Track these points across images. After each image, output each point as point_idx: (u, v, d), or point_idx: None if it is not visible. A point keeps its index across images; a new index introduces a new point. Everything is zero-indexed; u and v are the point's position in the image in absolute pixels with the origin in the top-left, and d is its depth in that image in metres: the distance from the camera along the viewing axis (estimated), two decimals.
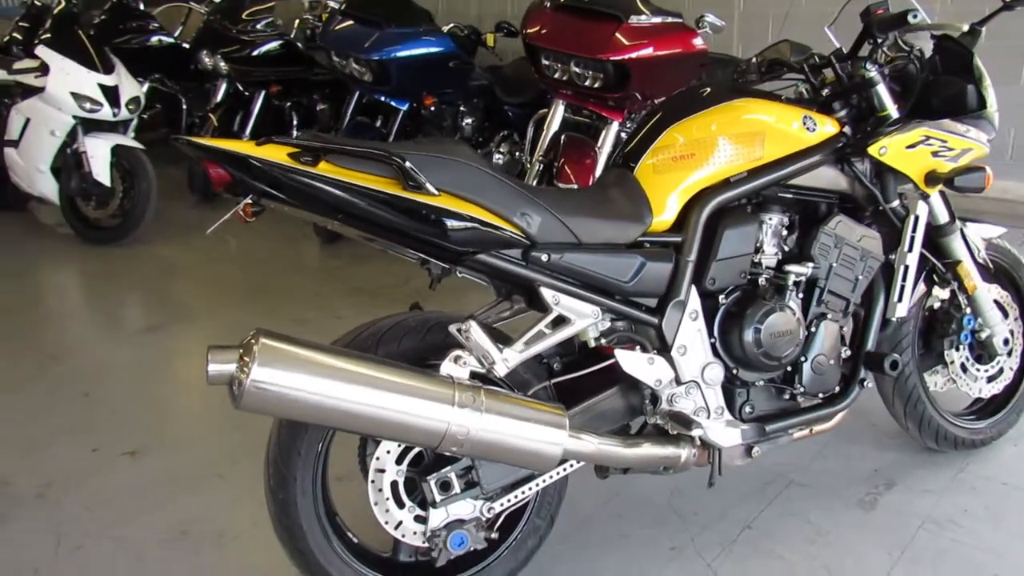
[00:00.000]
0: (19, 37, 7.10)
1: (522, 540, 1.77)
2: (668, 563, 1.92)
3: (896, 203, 1.91)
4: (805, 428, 1.96)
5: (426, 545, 1.63)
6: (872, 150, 1.82)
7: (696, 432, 1.71)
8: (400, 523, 1.62)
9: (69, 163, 4.57)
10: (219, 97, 5.53)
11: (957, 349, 2.18)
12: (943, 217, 2.05)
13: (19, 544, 2.06)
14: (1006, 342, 2.19)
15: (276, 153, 1.43)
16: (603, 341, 1.74)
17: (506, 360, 1.57)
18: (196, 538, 2.04)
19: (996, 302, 2.21)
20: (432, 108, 4.50)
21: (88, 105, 4.45)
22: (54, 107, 4.49)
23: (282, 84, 5.47)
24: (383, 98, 4.38)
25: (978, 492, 2.13)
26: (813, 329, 1.85)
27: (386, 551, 1.72)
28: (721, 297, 1.80)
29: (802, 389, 1.86)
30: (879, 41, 1.88)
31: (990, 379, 2.25)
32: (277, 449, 1.59)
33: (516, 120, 4.65)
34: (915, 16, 1.78)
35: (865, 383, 1.93)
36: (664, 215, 1.75)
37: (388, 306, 1.74)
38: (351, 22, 4.20)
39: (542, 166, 3.68)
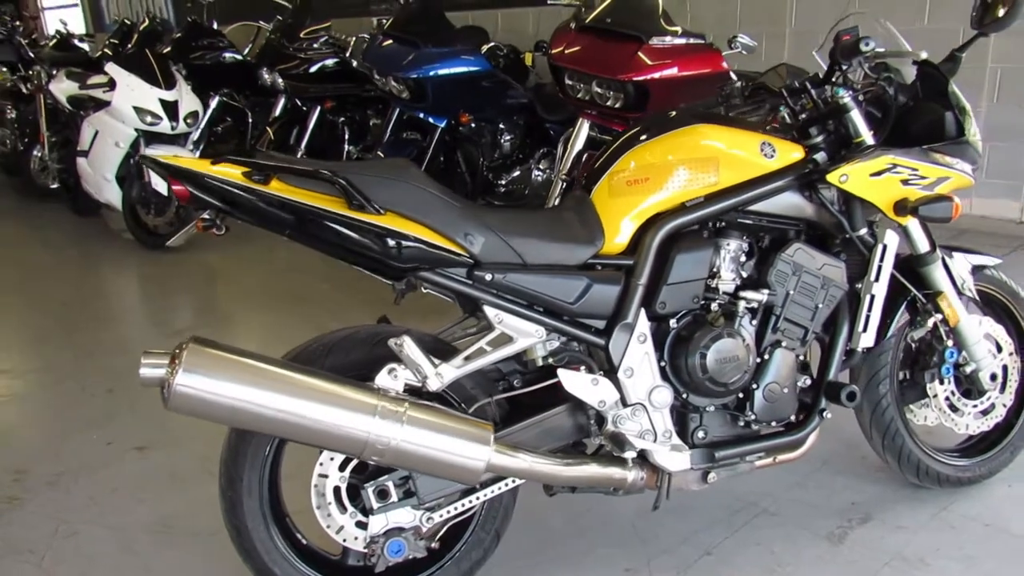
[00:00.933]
0: (109, 53, 7.62)
1: (465, 552, 1.81)
2: None
3: (864, 231, 1.88)
4: (768, 456, 1.95)
5: (365, 551, 1.70)
6: (831, 177, 1.80)
7: (629, 454, 1.72)
8: (342, 527, 1.69)
9: (131, 172, 4.88)
10: (277, 112, 5.77)
11: (941, 382, 2.11)
12: (923, 246, 2.00)
13: (21, 525, 2.24)
14: (993, 377, 2.10)
15: (231, 172, 1.53)
16: (551, 360, 1.78)
17: (440, 375, 1.63)
18: (176, 533, 2.17)
19: (989, 336, 2.13)
20: (470, 125, 4.60)
21: (149, 118, 4.74)
22: (119, 120, 4.80)
23: (336, 100, 5.68)
24: (421, 115, 4.51)
25: (956, 532, 2.05)
26: (767, 356, 1.84)
27: (336, 555, 1.80)
28: (672, 321, 1.81)
29: (753, 416, 1.84)
30: (843, 68, 1.86)
31: (983, 414, 2.17)
32: (227, 450, 1.68)
33: (557, 137, 4.70)
34: (867, 44, 1.76)
35: (825, 414, 1.90)
36: (618, 238, 1.78)
37: (402, 318, 1.82)
38: (391, 42, 4.35)
39: (565, 184, 3.72)
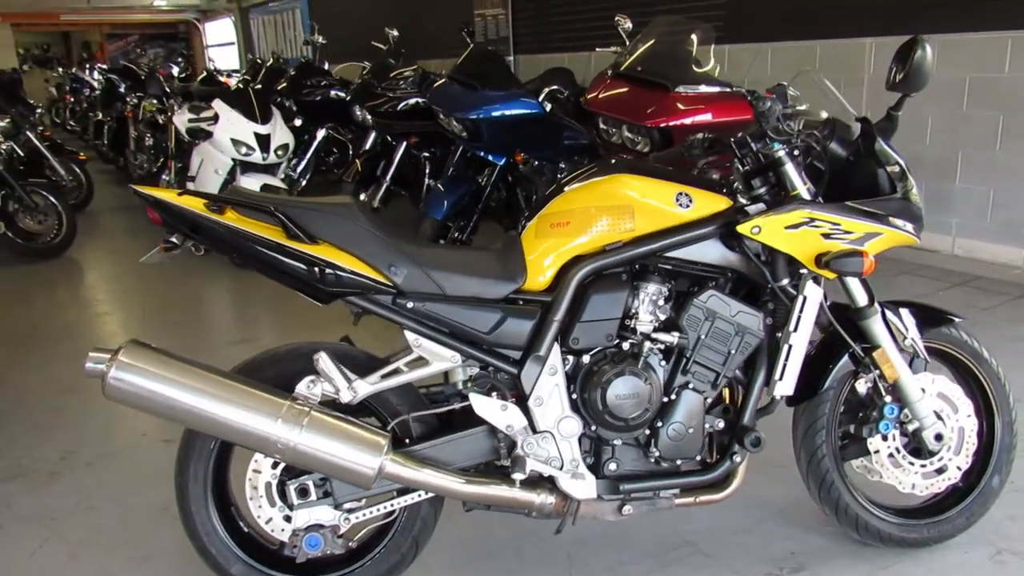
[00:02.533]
0: (240, 87, 8.40)
1: (384, 556, 1.99)
2: None
3: (786, 282, 1.92)
4: (688, 496, 2.02)
5: (288, 542, 1.91)
6: (742, 229, 1.86)
7: (518, 476, 1.84)
8: (271, 519, 1.91)
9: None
10: (367, 145, 6.22)
11: (885, 439, 2.09)
12: (861, 300, 2.02)
13: (52, 496, 2.61)
14: (939, 437, 2.06)
15: (193, 202, 1.80)
16: (470, 385, 1.94)
17: (354, 389, 1.83)
18: (171, 515, 2.44)
19: (943, 395, 2.10)
20: (530, 164, 4.81)
21: (244, 149, 5.25)
22: (219, 150, 5.34)
23: (420, 136, 6.05)
24: (481, 153, 4.77)
25: None
26: (675, 397, 1.91)
27: (274, 544, 2.01)
28: (586, 357, 1.93)
29: (658, 453, 1.92)
30: (761, 124, 1.92)
31: (937, 473, 2.12)
32: (181, 442, 1.94)
33: None
34: (760, 103, 1.83)
35: (736, 457, 1.95)
36: (540, 276, 1.92)
37: (363, 338, 2.05)
38: (454, 84, 4.64)
39: None
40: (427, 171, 6.07)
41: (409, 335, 1.87)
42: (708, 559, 2.18)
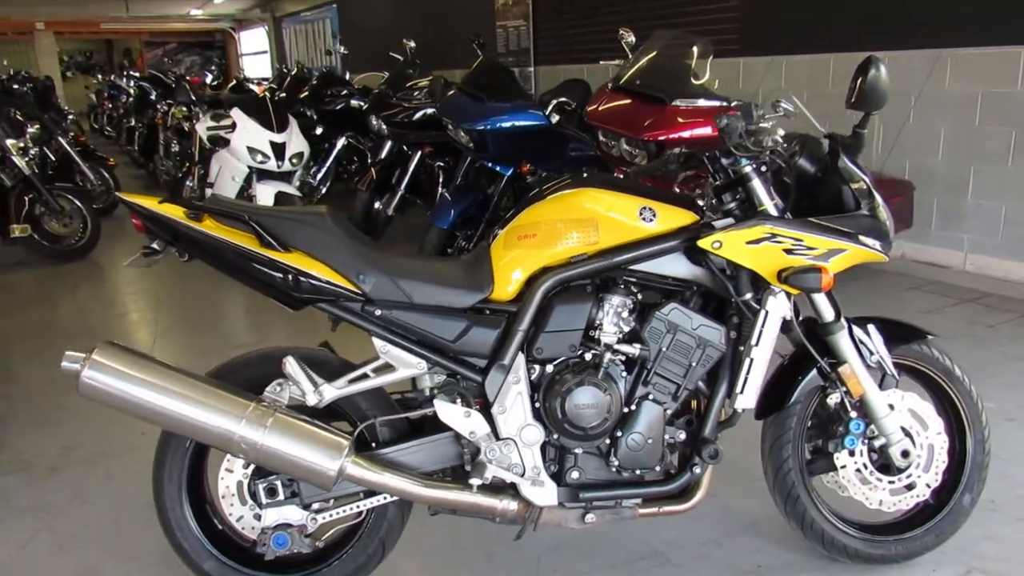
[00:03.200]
0: (268, 96, 8.54)
1: (351, 557, 2.04)
2: None
3: (749, 297, 1.94)
4: (652, 506, 2.04)
5: (257, 540, 1.97)
6: (704, 243, 1.88)
7: (475, 481, 1.88)
8: (241, 517, 1.97)
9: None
10: (383, 155, 6.31)
11: (852, 454, 2.09)
12: (827, 315, 2.03)
13: (48, 491, 2.71)
14: (906, 454, 2.06)
15: (173, 210, 1.88)
16: (436, 391, 1.98)
17: (320, 393, 1.88)
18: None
19: (912, 412, 2.10)
20: (538, 174, 4.86)
21: (259, 157, 5.37)
22: (235, 157, 5.47)
23: (434, 146, 6.13)
24: (489, 164, 4.83)
25: None
26: (635, 407, 1.94)
27: (248, 543, 2.07)
28: (550, 366, 1.96)
29: (617, 463, 1.95)
30: (724, 140, 1.95)
31: (907, 489, 2.12)
32: (159, 440, 2.02)
33: None
34: (719, 120, 1.85)
35: (695, 469, 1.97)
36: (508, 287, 1.96)
37: (343, 344, 2.11)
38: (462, 95, 4.71)
39: None
40: (441, 180, 6.16)
41: (377, 341, 1.93)
42: (675, 569, 2.19)
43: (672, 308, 1.93)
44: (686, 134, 3.45)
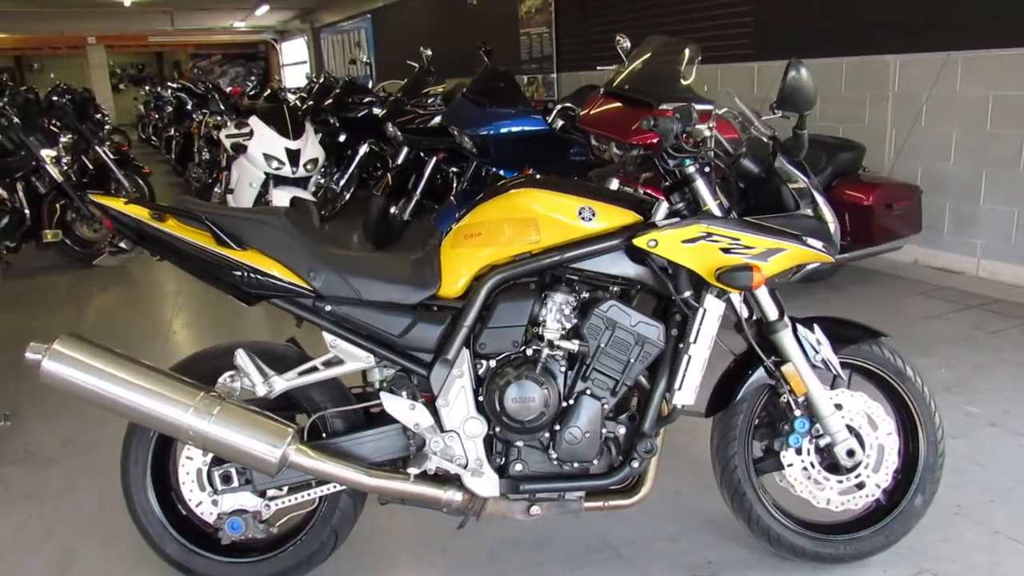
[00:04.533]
0: (299, 104, 8.79)
1: (305, 543, 2.12)
2: None
3: (688, 295, 1.98)
4: (597, 500, 2.08)
5: (215, 525, 2.06)
6: (639, 242, 1.92)
7: (412, 470, 1.95)
8: (200, 503, 2.07)
9: None
10: (399, 160, 6.44)
11: (798, 452, 2.11)
12: (771, 314, 2.05)
13: (44, 480, 2.86)
14: (851, 453, 2.07)
15: (137, 210, 1.99)
16: (385, 385, 2.06)
17: (270, 385, 1.97)
18: None
19: (862, 412, 2.11)
20: None
21: (275, 163, 5.54)
22: (253, 164, 5.65)
23: (448, 152, 6.24)
24: (493, 168, 4.91)
25: None
26: (573, 402, 1.99)
27: (211, 529, 2.16)
28: (493, 361, 2.02)
29: (556, 456, 1.99)
30: (662, 142, 1.98)
31: (857, 488, 2.12)
32: (127, 426, 2.12)
33: None
34: (647, 121, 1.89)
35: (634, 464, 2.00)
36: (456, 284, 2.03)
37: (310, 340, 2.20)
38: (467, 102, 4.81)
39: None
40: (455, 185, 6.26)
41: (327, 336, 2.01)
42: (625, 563, 2.23)
43: (611, 305, 1.97)
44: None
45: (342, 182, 7.63)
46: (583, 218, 1.98)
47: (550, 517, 2.10)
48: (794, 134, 2.02)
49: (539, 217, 1.98)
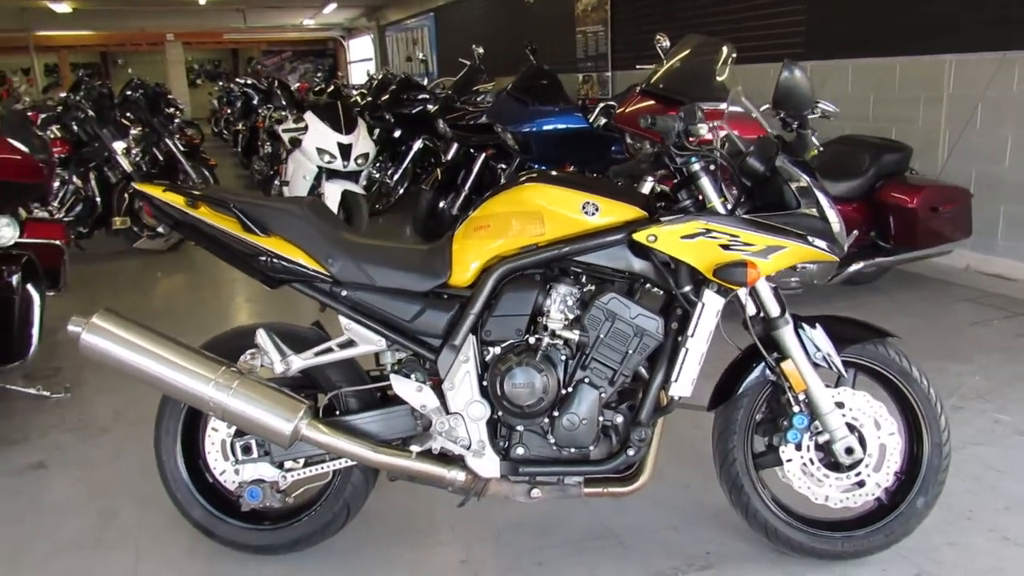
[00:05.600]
0: (359, 101, 9.03)
1: (318, 515, 2.24)
2: (444, 571, 2.24)
3: (687, 289, 2.03)
4: (596, 486, 2.15)
5: (236, 492, 2.20)
6: (639, 237, 1.98)
7: (414, 448, 2.05)
8: (224, 471, 2.22)
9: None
10: (449, 156, 6.57)
11: (798, 448, 2.13)
12: (773, 310, 2.08)
13: (94, 445, 3.07)
14: (849, 451, 2.08)
15: (174, 198, 2.15)
16: (396, 367, 2.17)
17: (287, 363, 2.10)
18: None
19: (864, 412, 2.12)
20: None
21: (327, 157, 5.73)
22: (306, 158, 5.85)
23: (496, 148, 6.34)
24: (535, 165, 4.99)
25: None
26: (571, 389, 2.05)
27: (235, 497, 2.30)
28: (498, 348, 2.11)
29: (553, 440, 2.07)
30: (664, 141, 2.03)
31: (858, 487, 2.13)
32: (161, 398, 2.28)
33: None
34: (645, 119, 1.94)
35: (629, 452, 2.06)
36: (464, 273, 2.12)
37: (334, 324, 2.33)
38: (511, 100, 4.90)
39: None
40: (501, 182, 6.36)
41: (342, 319, 2.13)
42: (625, 550, 2.29)
43: (611, 297, 2.04)
44: (708, 136, 3.49)
45: (396, 176, 7.81)
46: (586, 212, 2.05)
47: (551, 501, 2.18)
48: (798, 134, 2.04)
49: (544, 211, 2.06)
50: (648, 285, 2.10)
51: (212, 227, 2.10)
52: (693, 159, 2.06)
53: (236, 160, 12.03)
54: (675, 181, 2.16)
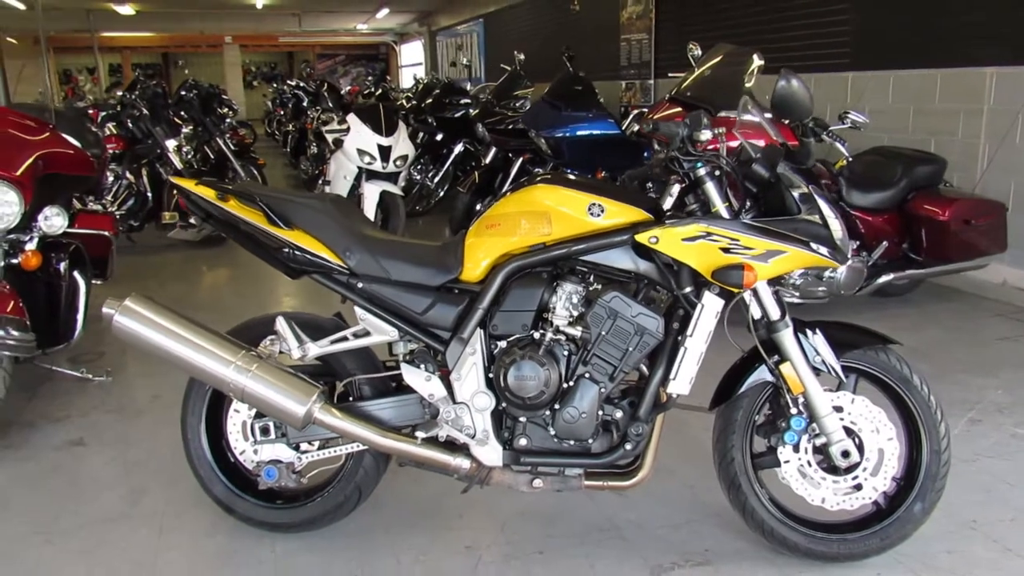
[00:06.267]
0: (404, 104, 9.22)
1: (331, 496, 2.35)
2: (449, 555, 2.32)
3: (688, 290, 2.09)
4: (597, 479, 2.22)
5: (254, 471, 2.32)
6: (641, 238, 2.05)
7: (420, 434, 2.14)
8: (244, 451, 2.34)
9: (354, 200, 6.07)
10: (488, 159, 6.69)
11: (796, 450, 2.17)
12: (773, 313, 2.13)
13: (131, 426, 3.24)
14: (845, 454, 2.11)
15: (207, 191, 2.28)
16: (408, 357, 2.27)
17: (304, 350, 2.22)
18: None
19: (864, 416, 2.15)
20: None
21: (367, 159, 5.89)
22: (348, 158, 6.02)
23: (534, 153, 6.43)
24: (568, 169, 5.06)
25: None
26: (572, 384, 2.13)
27: (255, 476, 2.43)
28: (504, 342, 2.19)
29: (553, 432, 2.14)
30: (670, 148, 2.10)
31: (855, 489, 2.16)
32: (189, 380, 2.42)
33: None
34: (647, 124, 2.00)
35: (627, 446, 2.12)
36: (475, 270, 2.22)
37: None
38: (545, 105, 4.98)
39: None
40: None
41: (358, 310, 2.24)
42: (626, 544, 2.35)
43: (613, 296, 2.11)
44: (735, 144, 3.52)
45: (437, 179, 7.96)
46: (592, 214, 2.12)
47: (558, 495, 2.25)
48: (800, 142, 2.09)
49: (551, 211, 2.14)
50: (651, 285, 2.17)
51: (238, 219, 2.23)
52: (699, 164, 2.12)
53: (285, 160, 12.35)
54: (683, 185, 2.22)
